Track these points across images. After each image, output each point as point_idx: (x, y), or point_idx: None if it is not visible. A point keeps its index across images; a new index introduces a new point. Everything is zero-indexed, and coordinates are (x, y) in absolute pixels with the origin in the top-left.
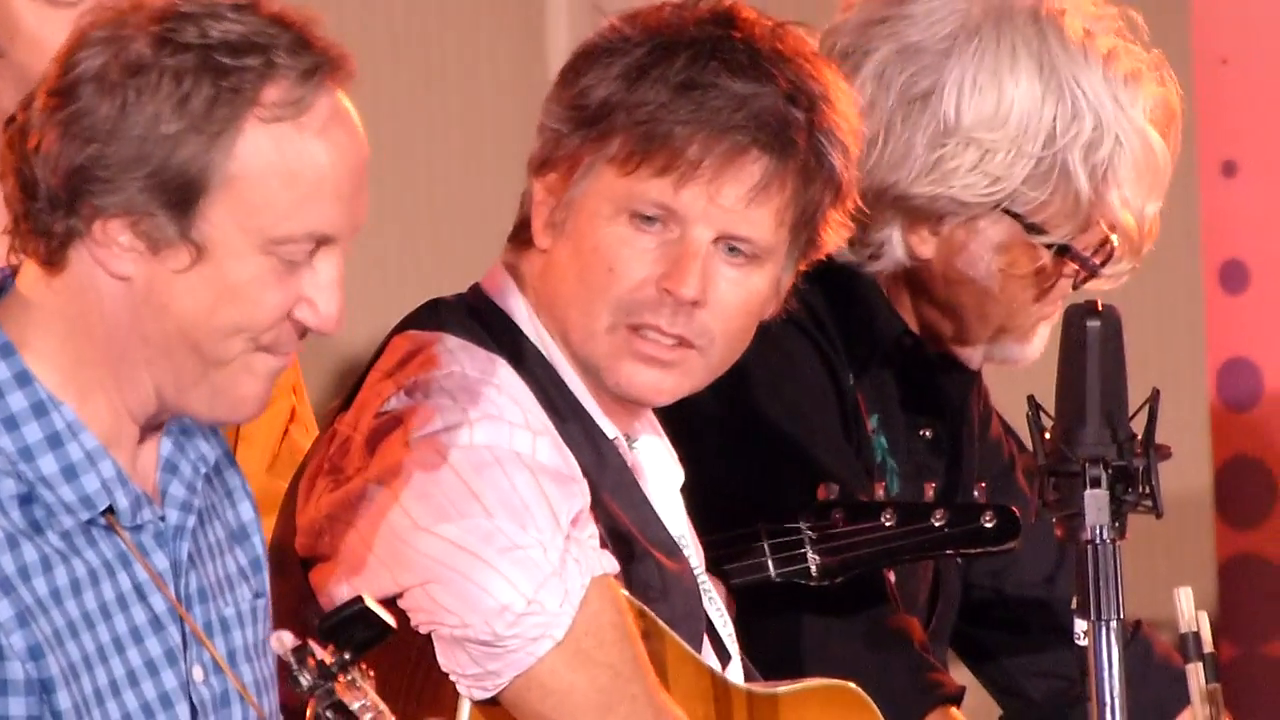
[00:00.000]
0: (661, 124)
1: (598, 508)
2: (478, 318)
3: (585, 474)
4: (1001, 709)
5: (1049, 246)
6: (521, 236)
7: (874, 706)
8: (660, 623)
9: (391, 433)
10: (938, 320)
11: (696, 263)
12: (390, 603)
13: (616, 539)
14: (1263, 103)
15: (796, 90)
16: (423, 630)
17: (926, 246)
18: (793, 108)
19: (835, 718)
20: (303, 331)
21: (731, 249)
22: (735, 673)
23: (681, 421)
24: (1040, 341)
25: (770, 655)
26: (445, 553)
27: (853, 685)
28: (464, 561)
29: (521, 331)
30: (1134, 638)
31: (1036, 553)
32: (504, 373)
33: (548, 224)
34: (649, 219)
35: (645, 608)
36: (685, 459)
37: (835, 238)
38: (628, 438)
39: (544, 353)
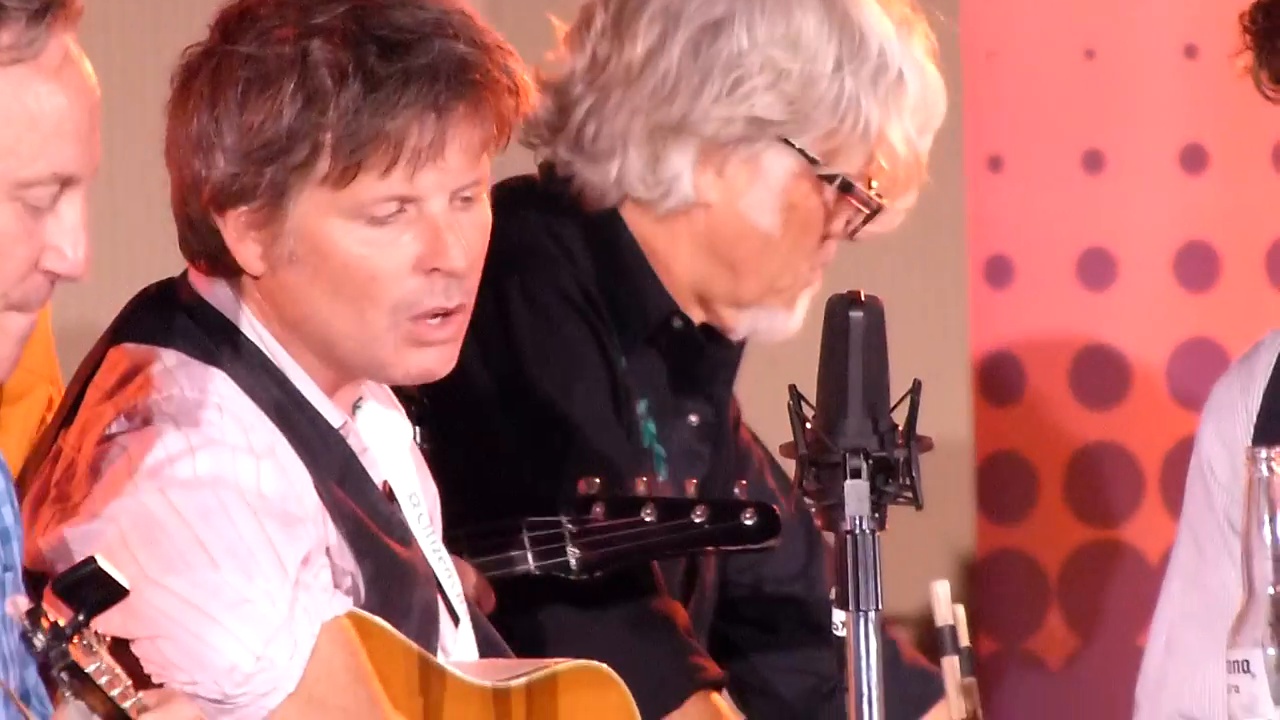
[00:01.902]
0: (366, 129)
1: (331, 507)
2: (194, 318)
3: (315, 477)
4: (746, 712)
5: (831, 180)
6: (219, 266)
7: (623, 686)
8: (410, 644)
9: (115, 461)
10: (712, 278)
11: (451, 233)
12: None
13: (352, 534)
14: (1030, 97)
15: (453, 29)
16: (155, 681)
17: (713, 190)
18: (463, 47)
19: (585, 699)
20: (52, 281)
21: (461, 197)
22: (465, 635)
23: (452, 398)
24: (800, 313)
25: (534, 637)
26: (173, 608)
27: (602, 665)
28: (192, 618)
29: (240, 331)
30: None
31: (788, 549)
32: (224, 388)
33: (264, 257)
34: (385, 215)
35: (394, 630)
36: (451, 439)
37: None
38: (356, 405)
39: (263, 351)
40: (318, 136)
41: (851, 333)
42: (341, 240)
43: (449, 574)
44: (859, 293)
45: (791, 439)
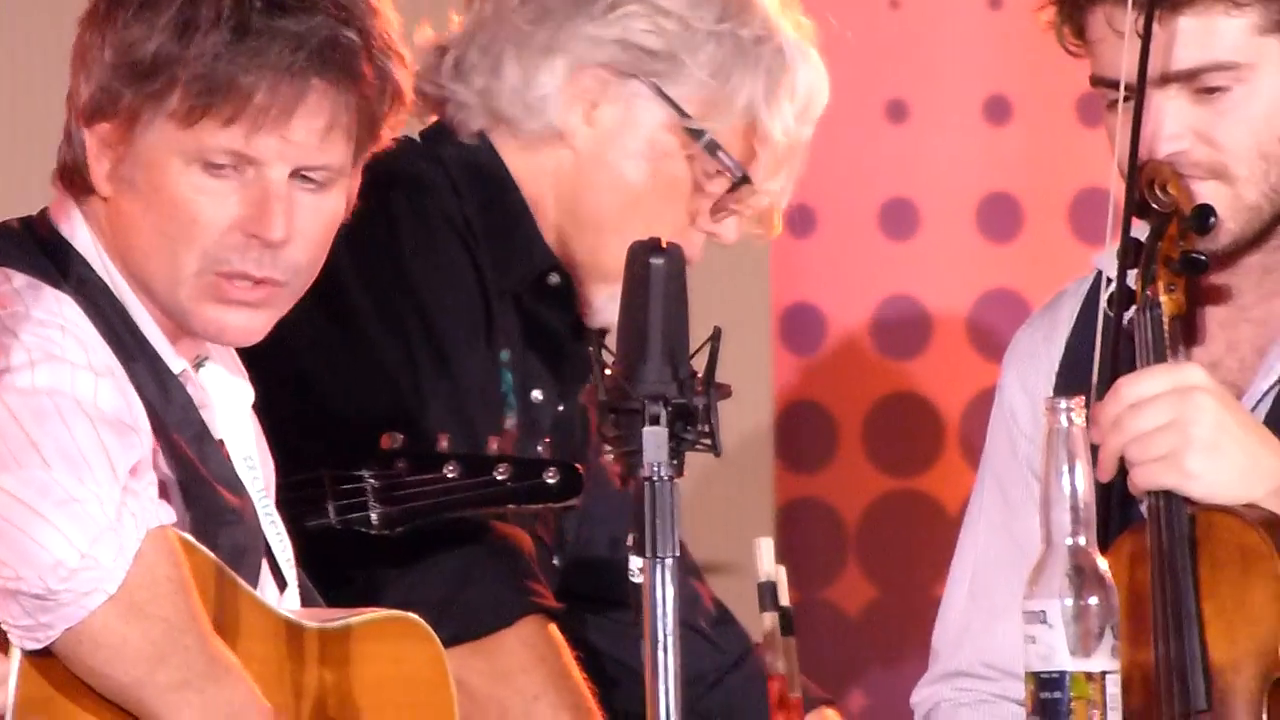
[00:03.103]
0: (220, 75)
1: (164, 447)
2: (44, 249)
3: (151, 412)
4: (616, 694)
5: (699, 136)
6: (77, 180)
7: (436, 639)
8: (224, 566)
9: None
10: (575, 234)
11: (280, 203)
12: None
13: (181, 477)
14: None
15: (345, 13)
16: None
17: (581, 131)
18: (346, 30)
19: (397, 650)
20: None
21: (306, 178)
22: (292, 598)
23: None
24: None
25: (373, 576)
26: (2, 504)
27: (413, 616)
28: (19, 514)
29: (89, 265)
30: (746, 659)
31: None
32: (70, 312)
33: (111, 177)
34: (221, 166)
35: (209, 552)
36: (272, 394)
37: (391, 133)
38: (197, 360)
39: (111, 287)
40: (175, 70)
41: (652, 280)
42: (176, 178)
43: (280, 538)
44: (660, 240)
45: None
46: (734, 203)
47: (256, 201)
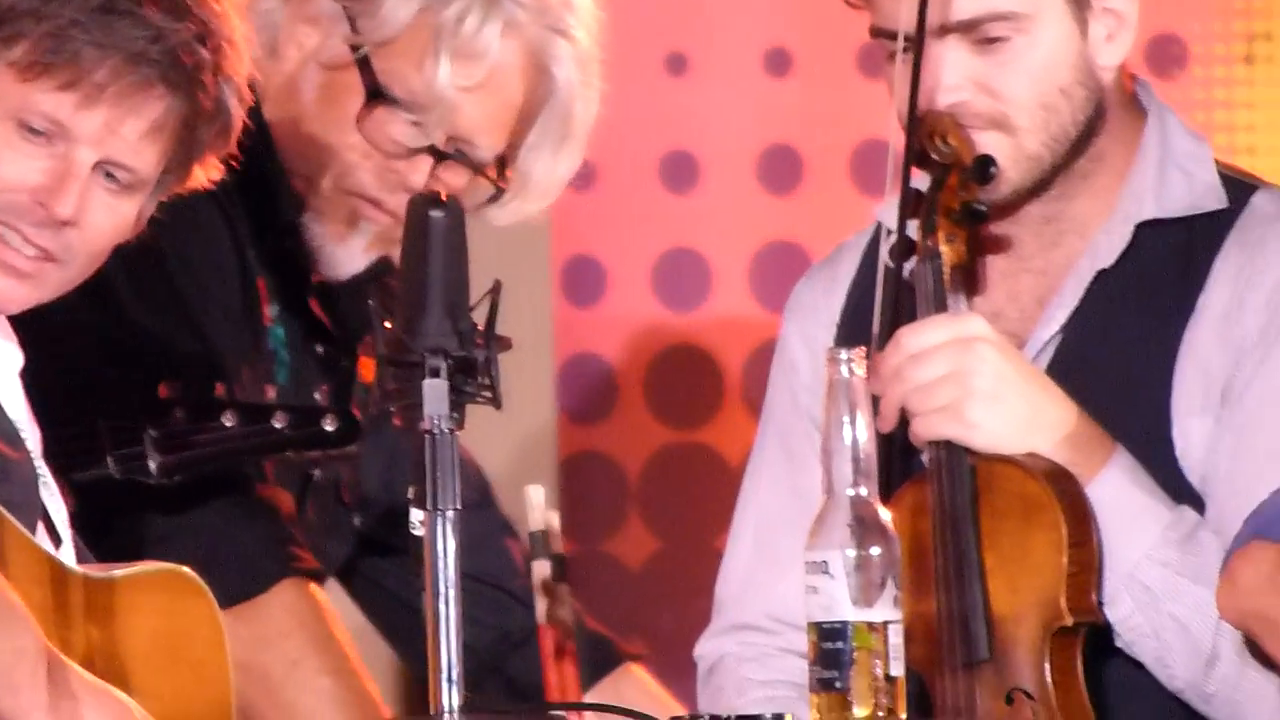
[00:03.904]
0: (72, 41)
1: None
2: None
3: None
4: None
5: (356, 49)
6: None
7: (208, 592)
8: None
9: None
10: (303, 188)
11: (77, 184)
12: None
13: None
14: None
15: (208, 31)
16: None
17: (287, 56)
18: (203, 49)
19: (168, 602)
20: None
21: (110, 175)
22: (67, 556)
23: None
24: (358, 250)
25: (140, 533)
26: None
27: (186, 570)
28: None
29: None
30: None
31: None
32: None
33: None
34: (37, 130)
35: None
36: (49, 336)
37: (203, 176)
38: None
39: None
40: (30, 23)
41: (432, 233)
42: None
43: (54, 499)
44: (439, 192)
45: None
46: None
47: (57, 175)
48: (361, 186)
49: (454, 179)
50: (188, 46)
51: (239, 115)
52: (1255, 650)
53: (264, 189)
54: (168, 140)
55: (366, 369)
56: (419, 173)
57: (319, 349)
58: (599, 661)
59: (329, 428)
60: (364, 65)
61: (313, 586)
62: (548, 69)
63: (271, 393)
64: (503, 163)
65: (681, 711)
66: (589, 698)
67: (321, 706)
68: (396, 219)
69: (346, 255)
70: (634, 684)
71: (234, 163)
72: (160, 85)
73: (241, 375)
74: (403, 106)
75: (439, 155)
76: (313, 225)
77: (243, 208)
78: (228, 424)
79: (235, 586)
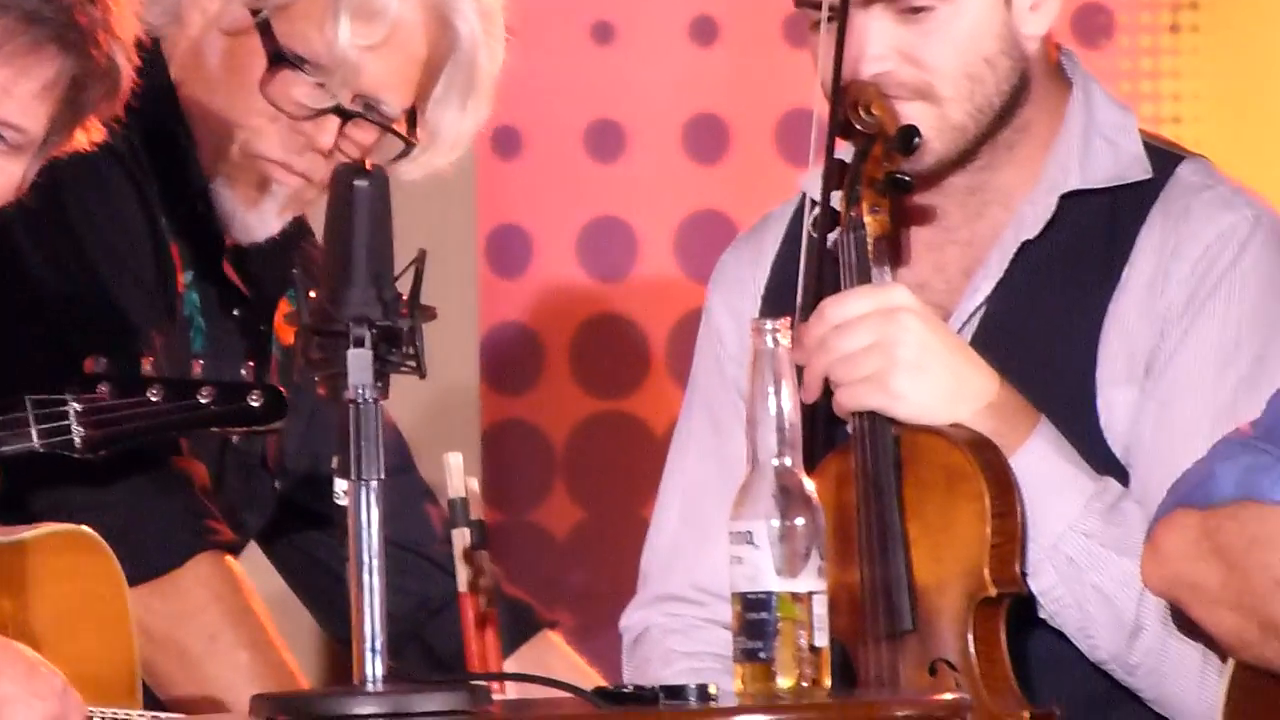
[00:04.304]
0: None
1: None
2: None
3: None
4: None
5: (256, 12)
6: None
7: (108, 550)
8: None
9: None
10: (212, 153)
11: None
12: None
13: None
14: None
15: None
16: None
17: (190, 22)
18: (94, 8)
19: (72, 564)
20: None
21: (0, 135)
22: None
23: None
24: (271, 213)
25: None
26: None
27: (87, 530)
28: None
29: None
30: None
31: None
32: None
33: None
34: None
35: None
36: None
37: (84, 138)
38: None
39: None
40: None
41: (356, 202)
42: None
43: None
44: (364, 162)
45: None
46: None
47: None
48: (269, 150)
49: (362, 137)
50: (81, 6)
51: (128, 75)
52: (1180, 620)
53: (173, 155)
54: (57, 100)
55: (284, 332)
56: (326, 133)
57: (235, 313)
58: (516, 629)
59: (255, 404)
60: (265, 29)
61: (229, 559)
62: (450, 22)
63: (198, 367)
64: (411, 117)
65: (600, 679)
66: (506, 666)
67: (239, 680)
68: (307, 180)
69: (258, 219)
70: (552, 652)
71: (141, 128)
72: (53, 45)
73: (155, 343)
74: (306, 69)
75: (345, 115)
76: (223, 190)
77: (153, 174)
78: (154, 399)
79: (151, 561)
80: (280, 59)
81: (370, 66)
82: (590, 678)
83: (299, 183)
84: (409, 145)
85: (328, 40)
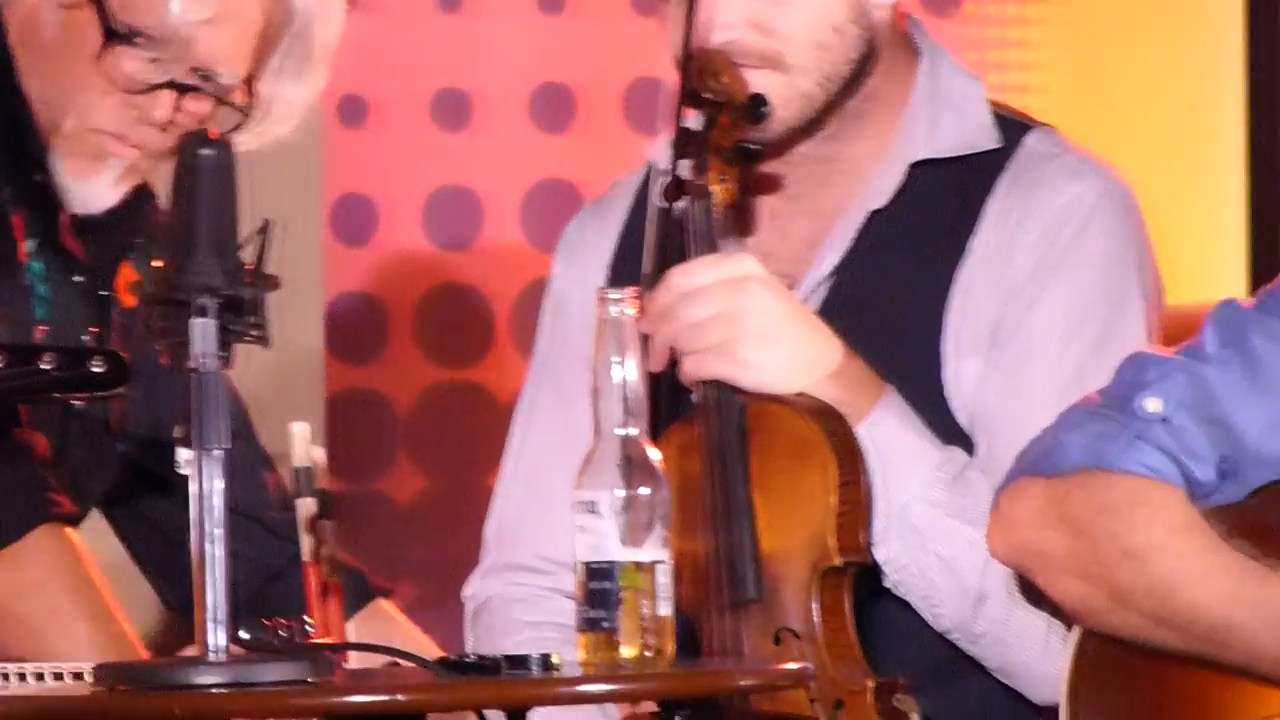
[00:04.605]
0: None
1: None
2: None
3: None
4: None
5: None
6: None
7: None
8: None
9: None
10: (49, 125)
11: None
12: None
13: None
14: None
15: None
16: None
17: None
18: None
19: None
20: None
21: None
22: None
23: None
24: (106, 184)
25: None
26: None
27: None
28: None
29: None
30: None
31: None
32: None
33: None
34: None
35: None
36: None
37: None
38: None
39: None
40: None
41: (201, 171)
42: None
43: None
44: (209, 131)
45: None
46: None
47: None
48: (104, 123)
49: (198, 108)
50: None
51: None
52: (1026, 588)
53: (11, 124)
54: None
55: (126, 297)
56: (162, 106)
57: (77, 280)
58: (349, 597)
59: (97, 369)
60: (99, 3)
61: (69, 531)
62: None
63: (40, 335)
64: (249, 86)
65: (434, 647)
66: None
67: (80, 652)
68: (143, 151)
69: (95, 190)
70: (384, 620)
71: None
72: None
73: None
74: (140, 43)
75: (180, 88)
76: (59, 160)
77: None
78: None
79: None
80: (114, 33)
81: (204, 40)
82: (424, 646)
83: (134, 154)
84: (245, 116)
85: (160, 15)
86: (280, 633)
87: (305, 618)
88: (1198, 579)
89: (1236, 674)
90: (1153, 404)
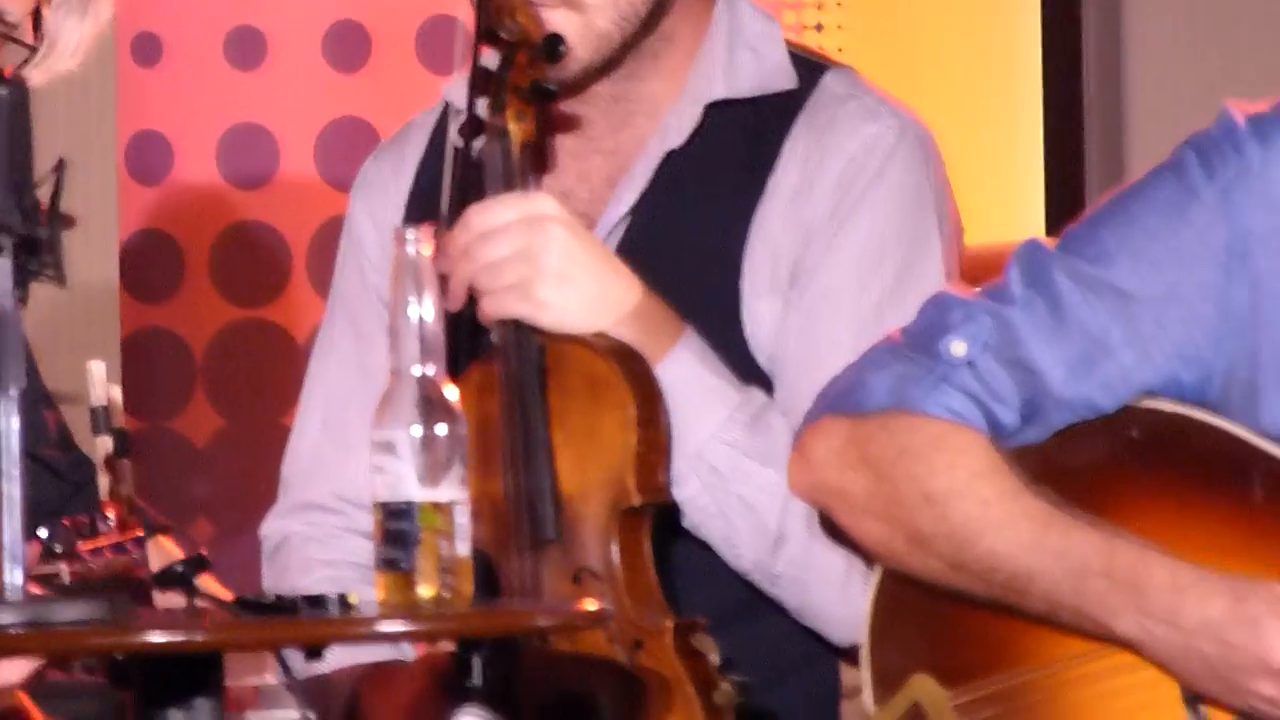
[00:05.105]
0: None
1: None
2: None
3: None
4: None
5: None
6: None
7: None
8: None
9: None
10: None
11: None
12: None
13: None
14: None
15: None
16: None
17: None
18: None
19: None
20: None
21: None
22: None
23: None
24: None
25: None
26: None
27: None
28: None
29: None
30: (87, 488)
31: None
32: None
33: None
34: None
35: None
36: None
37: None
38: None
39: None
40: None
41: None
42: None
43: None
44: (2, 71)
45: None
46: None
47: None
48: None
49: None
50: None
51: None
52: (827, 528)
53: None
54: None
55: None
56: None
57: None
58: None
59: None
60: None
61: None
62: None
63: None
64: (35, 21)
65: (221, 589)
66: None
67: None
68: None
69: None
70: (164, 558)
71: None
72: None
73: None
74: None
75: None
76: None
77: None
78: None
79: None
80: None
81: None
82: (209, 586)
83: None
84: (33, 52)
85: None
86: (81, 531)
87: (104, 513)
88: (999, 525)
89: (1036, 620)
90: (957, 347)
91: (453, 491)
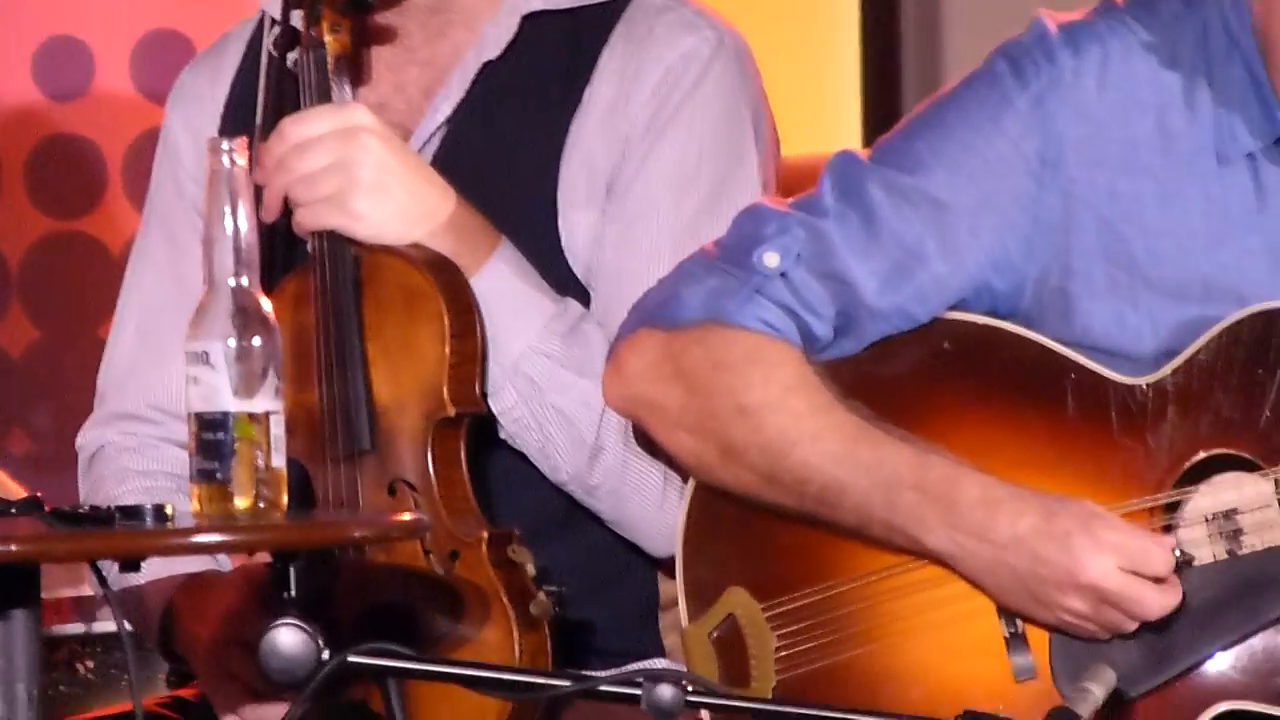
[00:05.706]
0: None
1: None
2: None
3: None
4: None
5: None
6: None
7: None
8: None
9: None
10: None
11: None
12: None
13: None
14: None
15: None
16: None
17: None
18: None
19: None
20: None
21: None
22: None
23: None
24: None
25: None
26: None
27: None
28: None
29: None
30: None
31: None
32: None
33: None
34: None
35: None
36: None
37: None
38: None
39: None
40: None
41: None
42: None
43: None
44: None
45: None
46: None
47: None
48: None
49: None
50: None
51: None
52: (642, 440)
53: None
54: None
55: None
56: None
57: None
58: None
59: None
60: None
61: None
62: None
63: None
64: None
65: (21, 492)
66: None
67: None
68: None
69: None
70: None
71: None
72: None
73: None
74: None
75: None
76: None
77: None
78: None
79: None
80: None
81: None
82: (12, 491)
83: None
84: None
85: None
86: None
87: None
88: (811, 438)
89: (848, 534)
90: (771, 258)
91: (268, 402)
